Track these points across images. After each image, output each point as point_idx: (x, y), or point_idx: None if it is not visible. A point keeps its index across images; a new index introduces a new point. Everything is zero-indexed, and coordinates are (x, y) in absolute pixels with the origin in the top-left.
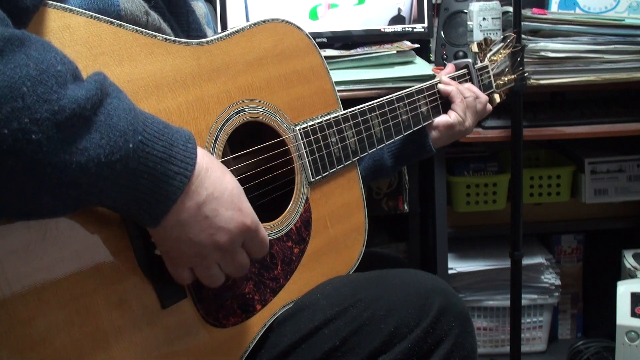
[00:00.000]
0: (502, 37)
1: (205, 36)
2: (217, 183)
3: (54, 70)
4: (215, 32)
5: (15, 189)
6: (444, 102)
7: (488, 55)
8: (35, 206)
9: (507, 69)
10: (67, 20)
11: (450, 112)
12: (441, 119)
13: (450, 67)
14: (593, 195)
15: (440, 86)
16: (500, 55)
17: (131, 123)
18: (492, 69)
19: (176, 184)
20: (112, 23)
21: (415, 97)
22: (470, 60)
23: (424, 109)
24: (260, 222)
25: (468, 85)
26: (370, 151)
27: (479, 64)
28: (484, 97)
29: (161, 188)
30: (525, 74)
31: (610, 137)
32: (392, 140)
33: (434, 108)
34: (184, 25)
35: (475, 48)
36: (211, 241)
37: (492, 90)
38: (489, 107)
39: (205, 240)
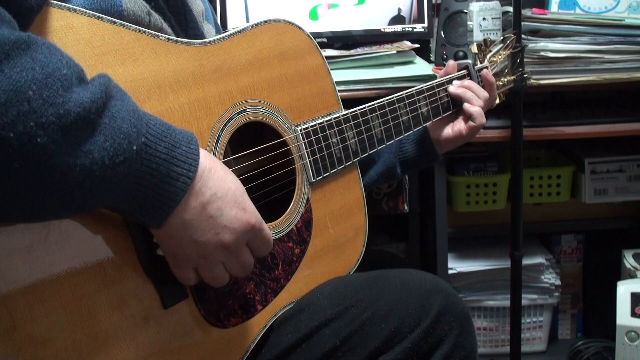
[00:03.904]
0: (501, 38)
1: (202, 34)
2: (220, 183)
3: (59, 74)
4: (217, 27)
5: (20, 191)
6: (446, 103)
7: (487, 57)
8: (40, 209)
9: (506, 70)
10: (70, 20)
11: (455, 126)
12: (445, 134)
13: (451, 64)
14: (593, 195)
15: (451, 89)
16: (499, 57)
17: (135, 125)
18: (492, 70)
19: (179, 185)
20: (114, 23)
21: (416, 98)
22: (470, 61)
23: (424, 109)
24: (263, 221)
25: (477, 87)
26: (370, 152)
27: (479, 65)
28: (494, 95)
29: (164, 189)
30: (525, 75)
31: (610, 137)
32: (393, 140)
33: (435, 109)
34: (182, 24)
35: (474, 49)
36: (216, 241)
37: None
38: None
39: (210, 240)
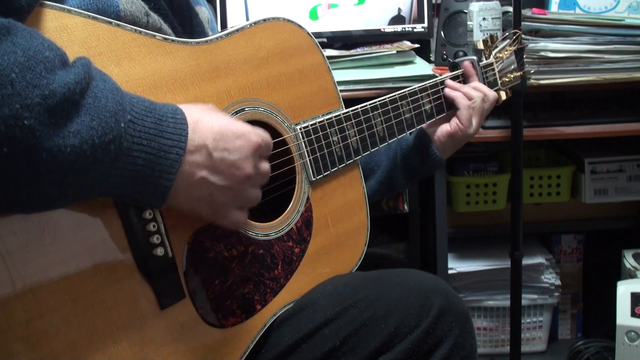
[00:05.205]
0: (507, 33)
1: None
2: (211, 126)
3: (41, 56)
4: None
5: (12, 178)
6: (449, 101)
7: (493, 53)
8: (34, 196)
9: (512, 66)
10: (65, 21)
11: (452, 121)
12: (442, 129)
13: (467, 65)
14: (593, 195)
15: (446, 91)
16: (505, 52)
17: (119, 103)
18: (498, 66)
19: (172, 157)
20: (110, 23)
21: (419, 95)
22: (475, 57)
23: (427, 107)
24: (260, 130)
25: (475, 84)
26: (372, 150)
27: (484, 61)
28: (492, 94)
29: (158, 164)
30: (531, 71)
31: (610, 137)
32: (395, 138)
33: (438, 106)
34: (187, 28)
35: (480, 45)
36: (239, 176)
37: (498, 87)
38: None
39: (232, 179)
